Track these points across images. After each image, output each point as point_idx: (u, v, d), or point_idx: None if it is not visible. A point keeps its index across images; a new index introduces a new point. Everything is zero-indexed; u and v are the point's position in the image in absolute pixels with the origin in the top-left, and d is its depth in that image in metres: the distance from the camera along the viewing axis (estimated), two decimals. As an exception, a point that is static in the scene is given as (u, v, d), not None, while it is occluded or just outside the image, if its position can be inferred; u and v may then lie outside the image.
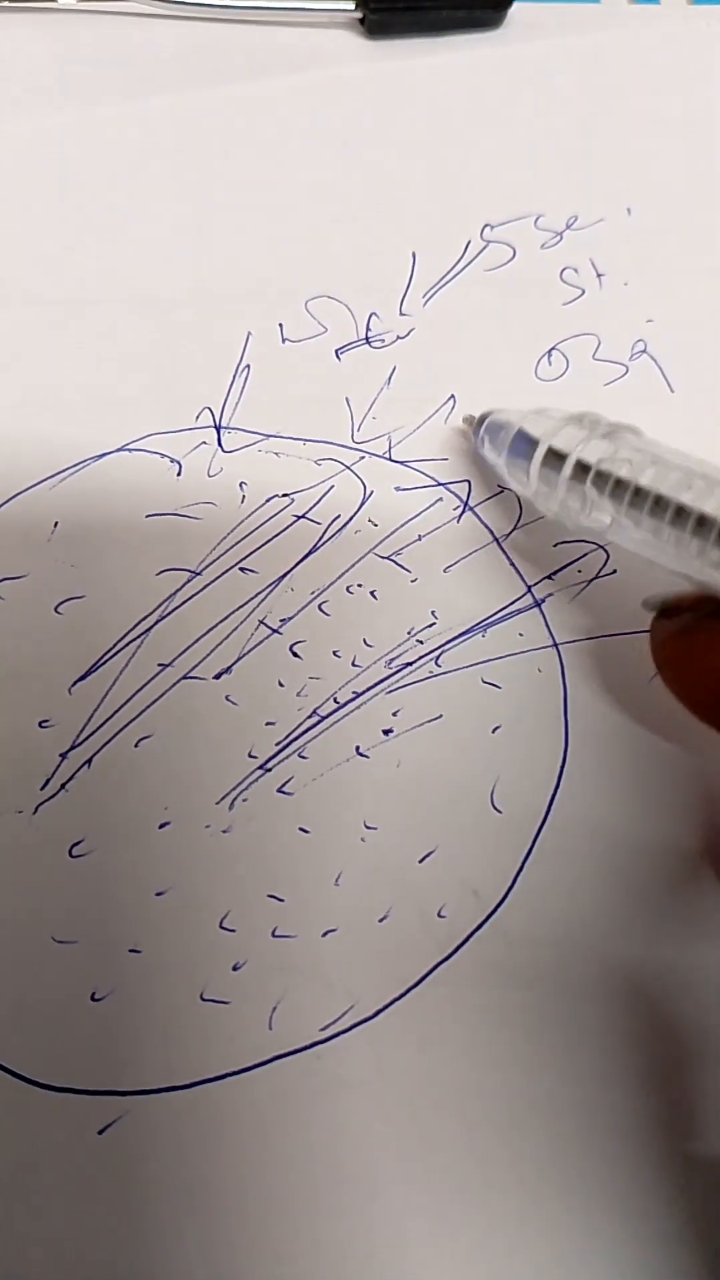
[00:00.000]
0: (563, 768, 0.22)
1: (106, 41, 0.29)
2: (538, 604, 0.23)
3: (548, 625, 0.23)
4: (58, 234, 0.26)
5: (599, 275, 0.27)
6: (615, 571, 0.23)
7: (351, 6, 0.29)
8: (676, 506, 0.16)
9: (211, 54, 0.29)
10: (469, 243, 0.27)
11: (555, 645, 0.23)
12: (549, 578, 0.23)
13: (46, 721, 0.21)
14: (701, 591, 0.17)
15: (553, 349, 0.26)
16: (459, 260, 0.27)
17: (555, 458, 0.20)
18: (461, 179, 0.28)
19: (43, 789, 0.21)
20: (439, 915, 0.20)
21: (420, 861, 0.21)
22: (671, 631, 0.18)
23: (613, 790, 0.22)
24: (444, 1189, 0.19)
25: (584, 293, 0.26)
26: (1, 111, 0.27)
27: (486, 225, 0.27)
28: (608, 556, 0.23)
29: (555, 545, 0.23)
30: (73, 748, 0.21)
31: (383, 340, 0.25)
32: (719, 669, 0.17)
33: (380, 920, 0.20)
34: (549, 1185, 0.19)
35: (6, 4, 0.29)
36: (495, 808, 0.21)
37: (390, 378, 0.25)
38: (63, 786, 0.21)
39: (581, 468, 0.19)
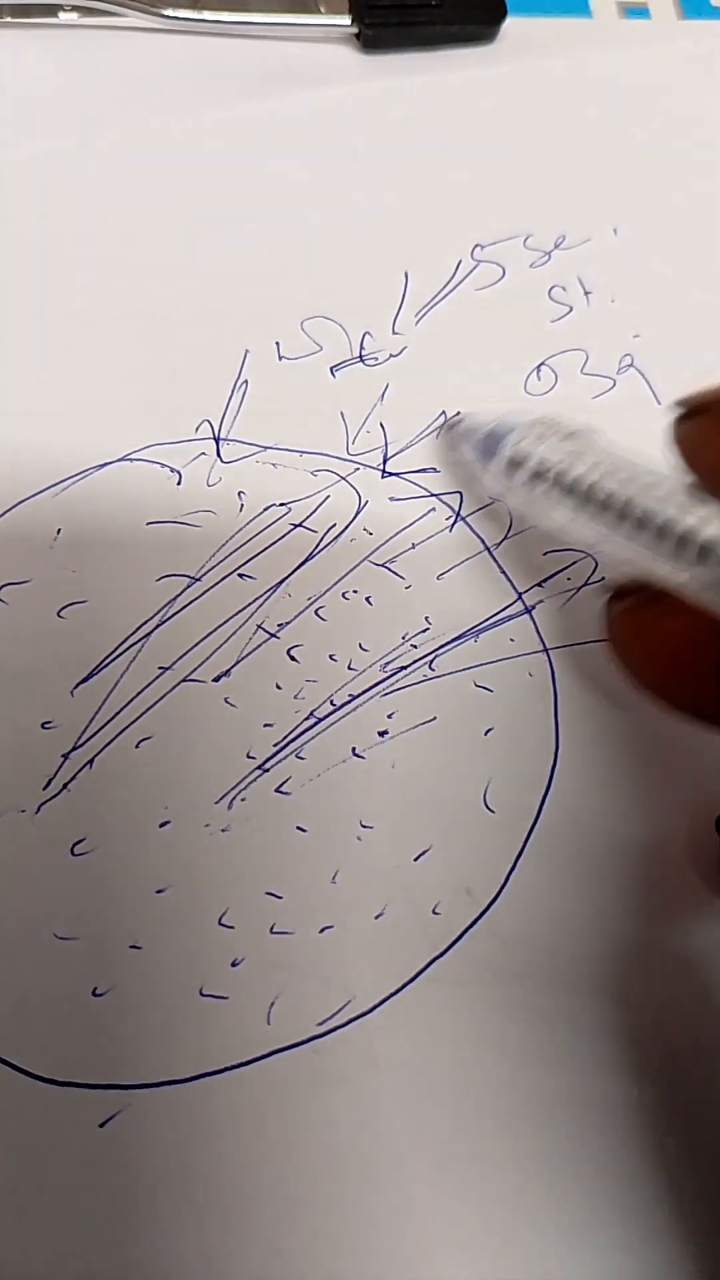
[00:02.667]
0: (553, 769, 0.22)
1: (105, 57, 0.29)
2: (528, 610, 0.23)
3: (538, 631, 0.23)
4: (60, 249, 0.26)
5: (586, 293, 0.27)
6: (604, 579, 0.24)
7: (347, 22, 0.30)
8: (623, 503, 0.18)
9: (208, 69, 0.29)
10: (460, 262, 0.27)
11: (545, 650, 0.23)
12: (539, 585, 0.24)
13: (49, 723, 0.21)
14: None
15: (542, 364, 0.26)
16: (450, 279, 0.27)
17: (519, 459, 0.21)
18: (453, 198, 0.28)
19: (45, 789, 0.21)
20: (433, 913, 0.21)
21: (415, 860, 0.21)
22: (621, 611, 0.19)
23: (602, 791, 0.22)
24: (439, 1182, 0.19)
25: (572, 309, 0.27)
26: (0, 126, 0.28)
27: (477, 245, 0.28)
28: (596, 564, 0.24)
29: (545, 554, 0.24)
30: (75, 748, 0.21)
31: (376, 358, 0.26)
32: (664, 646, 0.18)
33: (376, 917, 0.21)
34: (543, 1178, 0.19)
35: (7, 19, 0.29)
36: (488, 808, 0.22)
37: (384, 394, 0.26)
38: (65, 786, 0.21)
39: (541, 468, 0.20)
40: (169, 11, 0.29)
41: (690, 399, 0.18)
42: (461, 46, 0.30)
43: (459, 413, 0.24)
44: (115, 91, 0.29)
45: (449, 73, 0.30)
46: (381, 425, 0.25)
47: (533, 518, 0.21)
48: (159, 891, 0.20)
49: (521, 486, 0.21)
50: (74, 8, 0.29)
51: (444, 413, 0.26)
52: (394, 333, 0.26)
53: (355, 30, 0.30)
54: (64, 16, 0.30)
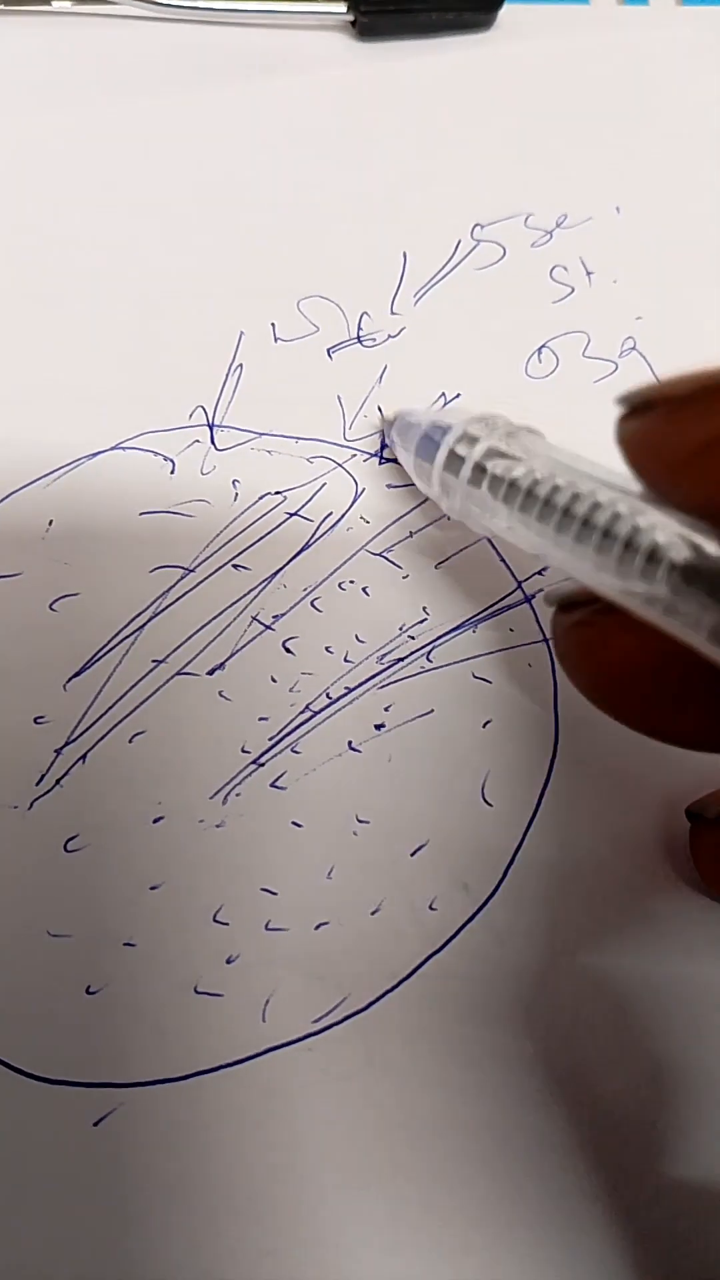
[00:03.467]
0: (553, 761, 0.22)
1: (99, 44, 0.29)
2: (528, 599, 0.23)
3: (538, 620, 0.23)
4: (51, 234, 0.26)
5: (588, 273, 0.27)
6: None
7: (343, 9, 0.29)
8: (564, 510, 0.16)
9: (203, 57, 0.29)
10: (459, 242, 0.27)
11: (545, 640, 0.23)
12: (539, 573, 0.23)
13: (41, 717, 0.21)
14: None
15: (543, 346, 0.26)
16: (450, 259, 0.27)
17: (456, 459, 0.20)
18: (452, 179, 0.28)
19: (38, 784, 0.21)
20: (430, 908, 0.21)
21: (412, 855, 0.21)
22: (567, 625, 0.17)
23: (603, 784, 0.22)
24: (434, 1180, 0.19)
25: (573, 290, 0.27)
26: (-5, 113, 0.27)
27: (477, 225, 0.27)
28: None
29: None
30: (67, 743, 0.21)
31: (374, 339, 0.26)
32: (612, 660, 0.17)
33: (372, 913, 0.20)
34: (538, 1177, 0.19)
35: (2, 7, 0.29)
36: (486, 801, 0.21)
37: (381, 376, 0.25)
38: (57, 782, 0.21)
39: (479, 469, 0.19)
40: (162, -2, 0.29)
41: (634, 394, 0.15)
42: (458, 34, 0.30)
43: (397, 413, 0.23)
44: (109, 79, 0.28)
45: (445, 58, 0.29)
46: (379, 409, 0.25)
47: (472, 522, 0.20)
48: (153, 888, 0.20)
49: (459, 488, 0.19)
50: (67, -8, 0.29)
51: (443, 394, 0.25)
52: (392, 313, 0.26)
53: (351, 18, 0.29)
54: (57, 4, 0.29)
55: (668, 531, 0.15)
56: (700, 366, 0.15)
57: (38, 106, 0.28)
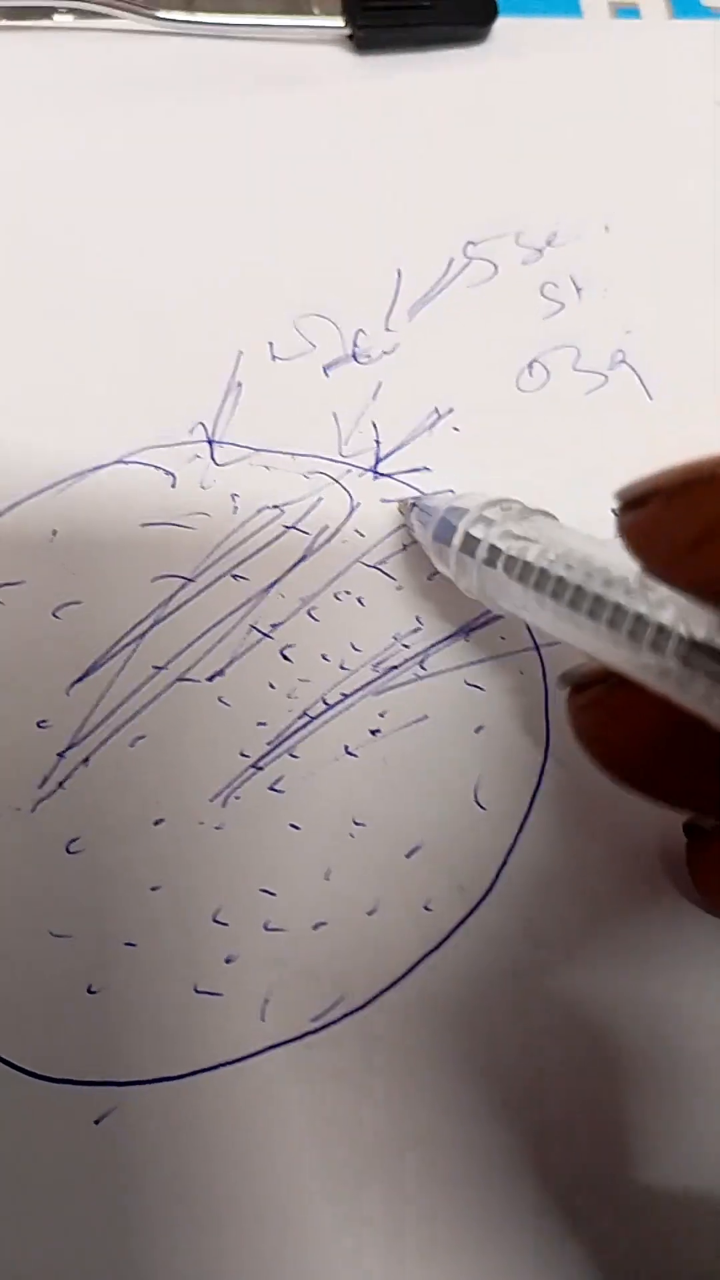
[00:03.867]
0: (544, 766, 0.22)
1: (100, 58, 0.29)
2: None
3: (529, 629, 0.23)
4: (53, 252, 0.26)
5: (578, 289, 0.27)
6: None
7: (341, 23, 0.30)
8: (576, 588, 0.17)
9: (203, 70, 0.29)
10: (452, 260, 0.27)
11: (536, 648, 0.23)
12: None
13: (44, 722, 0.22)
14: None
15: (534, 361, 0.26)
16: (443, 277, 0.27)
17: (473, 541, 0.20)
18: (445, 196, 0.28)
19: (40, 787, 0.21)
20: (425, 909, 0.21)
21: (407, 857, 0.21)
22: (583, 705, 0.18)
23: (593, 787, 0.22)
24: (432, 1178, 0.19)
25: (564, 306, 0.27)
26: (-2, 129, 0.28)
27: (469, 243, 0.28)
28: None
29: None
30: (70, 747, 0.21)
31: (369, 356, 0.26)
32: (630, 737, 0.17)
33: (369, 914, 0.21)
34: (537, 1176, 0.19)
35: (4, 22, 0.29)
36: (479, 805, 0.22)
37: (376, 393, 0.26)
38: (60, 785, 0.21)
39: (494, 550, 0.20)
40: (163, 14, 0.30)
41: (629, 490, 0.16)
42: (453, 47, 0.30)
43: (415, 499, 0.23)
44: (109, 93, 0.29)
45: (441, 72, 0.30)
46: (374, 425, 0.25)
47: (487, 600, 0.21)
48: (153, 889, 0.20)
49: (475, 568, 0.20)
50: (68, 10, 0.30)
51: (436, 409, 0.26)
52: (387, 330, 0.27)
53: (348, 31, 0.30)
54: (58, 19, 0.30)
55: (675, 608, 0.15)
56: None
57: (37, 121, 0.28)
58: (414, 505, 0.23)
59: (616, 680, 0.17)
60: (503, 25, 0.30)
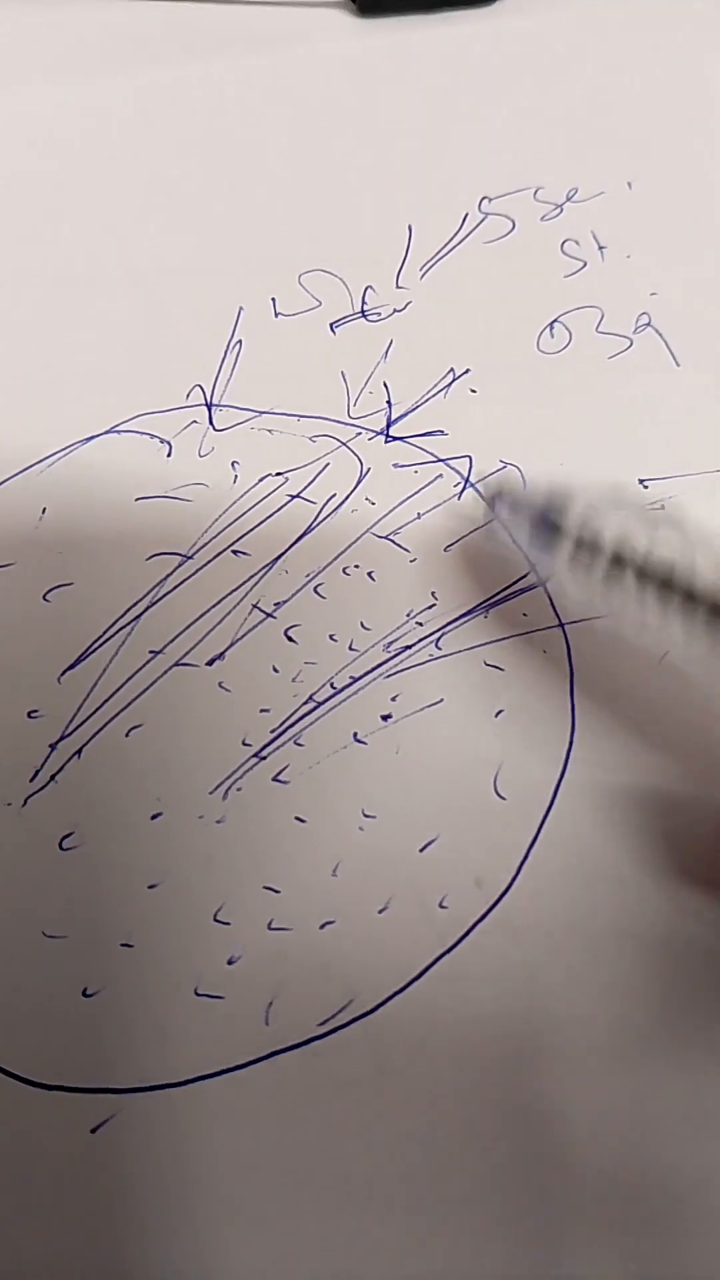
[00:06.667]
0: (569, 752, 0.21)
1: (102, 21, 0.29)
2: (542, 583, 0.23)
3: (553, 605, 0.22)
4: (46, 212, 0.26)
5: (600, 248, 0.27)
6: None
7: (342, -15, 0.29)
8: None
9: (205, 34, 0.29)
10: (466, 215, 0.27)
11: (561, 625, 0.22)
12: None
13: (35, 712, 0.21)
14: None
15: (554, 321, 0.26)
16: (457, 232, 0.26)
17: (591, 536, 0.18)
18: (457, 152, 0.28)
19: (32, 780, 0.21)
20: (440, 906, 0.20)
21: (421, 851, 0.20)
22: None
23: (621, 775, 0.21)
24: (446, 1191, 0.18)
25: (586, 265, 0.26)
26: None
27: (484, 198, 0.27)
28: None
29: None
30: (62, 738, 0.21)
31: (379, 314, 0.25)
32: None
33: (380, 911, 0.20)
34: (553, 1184, 0.18)
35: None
36: (498, 794, 0.21)
37: (387, 352, 0.25)
38: (52, 778, 0.21)
39: (622, 549, 0.17)
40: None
41: None
42: (460, 8, 0.30)
43: (499, 489, 0.21)
44: (113, 54, 0.29)
45: (448, 30, 0.30)
46: (385, 385, 0.24)
47: (607, 609, 0.19)
48: (151, 886, 0.20)
49: (595, 571, 0.18)
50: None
51: (452, 370, 0.25)
52: (398, 287, 0.26)
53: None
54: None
55: None
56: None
57: (38, 85, 0.28)
58: (497, 496, 0.21)
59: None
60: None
